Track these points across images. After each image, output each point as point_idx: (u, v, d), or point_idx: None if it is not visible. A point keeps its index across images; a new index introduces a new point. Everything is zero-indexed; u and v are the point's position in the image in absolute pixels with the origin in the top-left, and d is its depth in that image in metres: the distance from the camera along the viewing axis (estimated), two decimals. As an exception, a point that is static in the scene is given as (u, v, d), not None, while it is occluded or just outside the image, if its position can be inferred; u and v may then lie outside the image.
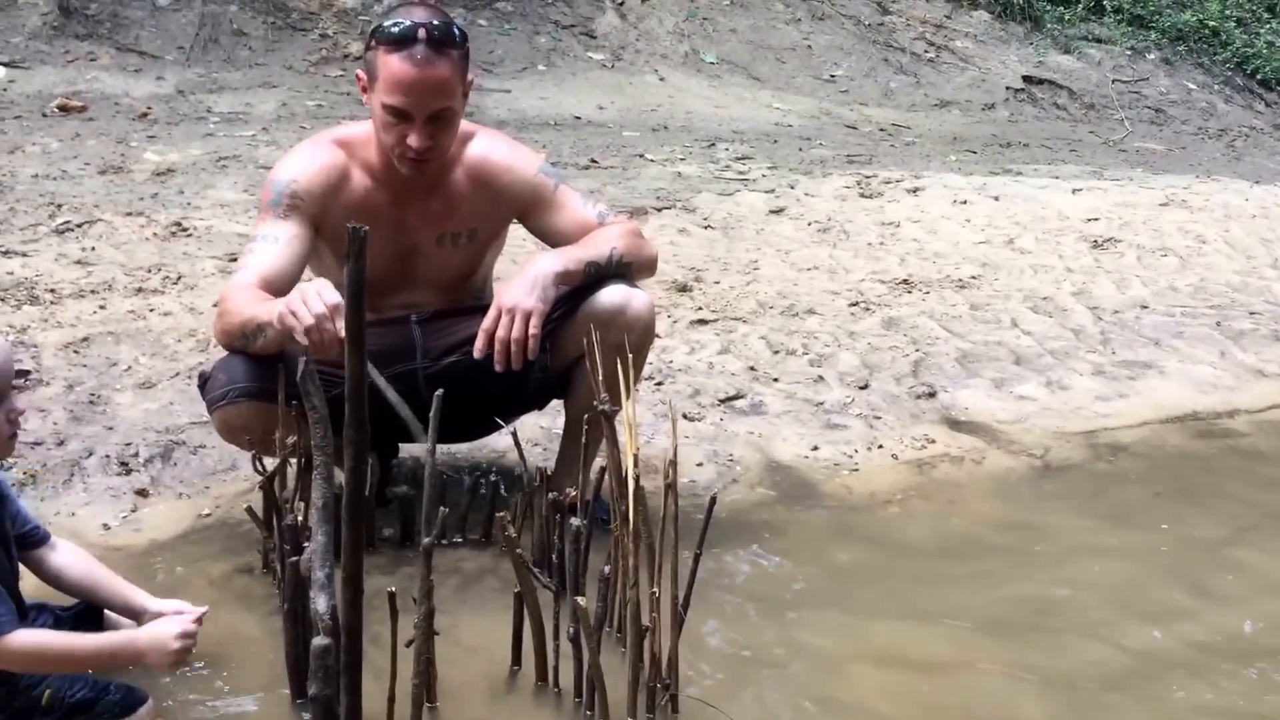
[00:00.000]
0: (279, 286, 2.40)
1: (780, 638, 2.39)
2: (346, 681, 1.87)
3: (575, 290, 2.55)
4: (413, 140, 2.42)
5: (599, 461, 2.41)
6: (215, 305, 2.41)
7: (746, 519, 2.93)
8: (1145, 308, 4.75)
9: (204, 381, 2.48)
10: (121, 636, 1.98)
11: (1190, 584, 2.70)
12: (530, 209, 2.66)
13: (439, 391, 2.03)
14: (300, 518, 2.26)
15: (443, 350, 2.62)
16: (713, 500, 2.11)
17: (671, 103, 7.50)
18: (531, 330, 2.43)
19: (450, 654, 2.14)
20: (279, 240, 2.45)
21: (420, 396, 2.55)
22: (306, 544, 2.03)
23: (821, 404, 3.61)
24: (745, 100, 7.94)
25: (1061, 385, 3.96)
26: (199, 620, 2.03)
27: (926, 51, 9.71)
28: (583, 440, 2.42)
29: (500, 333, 2.44)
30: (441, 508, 2.08)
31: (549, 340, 2.59)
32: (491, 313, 2.46)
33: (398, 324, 2.62)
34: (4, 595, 1.85)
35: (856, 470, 3.25)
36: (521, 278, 2.48)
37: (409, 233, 2.59)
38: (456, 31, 2.44)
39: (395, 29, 2.37)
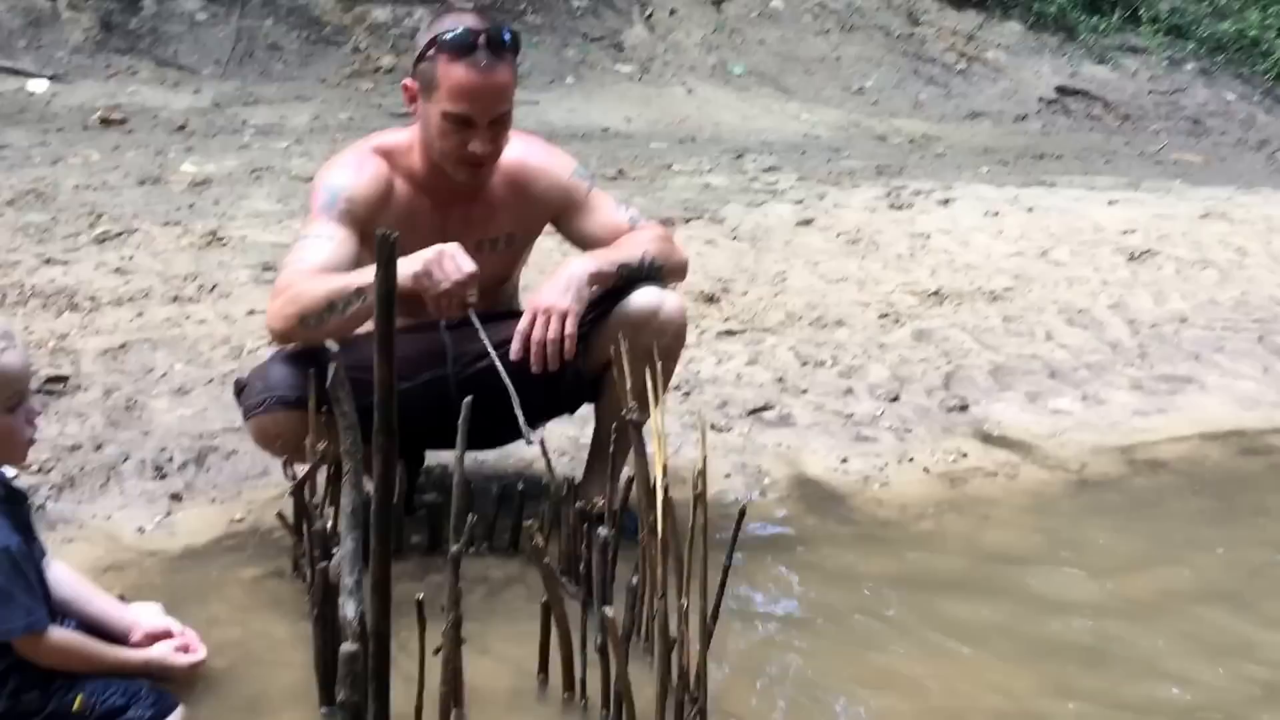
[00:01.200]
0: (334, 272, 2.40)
1: (811, 653, 2.36)
2: (374, 688, 1.86)
3: (607, 293, 2.56)
4: (476, 147, 2.43)
5: (627, 470, 2.41)
6: (272, 297, 2.40)
7: (776, 532, 2.91)
8: (1184, 321, 4.69)
9: (240, 389, 2.49)
10: (138, 656, 1.98)
11: (1234, 602, 2.65)
12: (564, 212, 2.67)
13: (467, 399, 2.03)
14: (330, 524, 2.27)
15: (474, 355, 2.61)
16: (742, 511, 2.08)
17: (699, 114, 7.51)
18: (567, 331, 2.44)
19: (477, 663, 2.13)
20: (334, 239, 2.44)
21: (451, 402, 2.55)
22: (336, 550, 2.05)
23: (851, 416, 3.59)
24: (773, 111, 7.94)
25: (1098, 399, 3.92)
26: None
27: (957, 62, 9.67)
28: (610, 450, 2.41)
29: (536, 334, 2.45)
30: (470, 515, 2.08)
31: (582, 343, 2.59)
32: (526, 315, 2.47)
33: (428, 329, 2.62)
34: (40, 594, 1.86)
35: (887, 484, 3.23)
36: (554, 279, 2.49)
37: (449, 238, 2.55)
38: (509, 35, 2.46)
39: (455, 37, 2.38)
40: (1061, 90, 9.91)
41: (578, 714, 2.10)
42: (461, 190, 2.55)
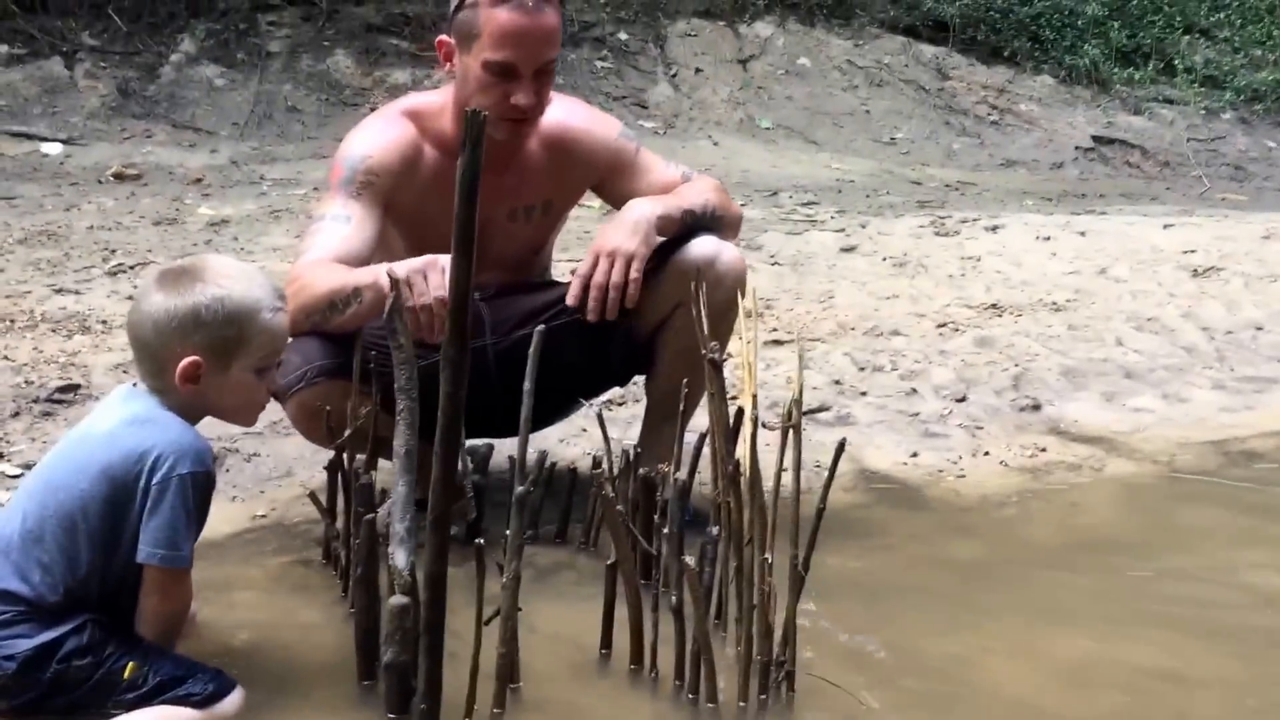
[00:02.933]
0: (353, 262, 2.22)
1: (901, 629, 2.12)
2: (427, 643, 1.64)
3: (660, 246, 2.36)
4: (520, 98, 2.24)
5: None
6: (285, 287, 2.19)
7: (847, 519, 2.65)
8: (1260, 329, 4.42)
9: None
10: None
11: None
12: (611, 175, 2.49)
13: (540, 328, 1.83)
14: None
15: (513, 324, 2.43)
16: (841, 444, 1.86)
17: (727, 163, 7.35)
18: (633, 274, 2.26)
19: (529, 640, 1.88)
20: (350, 220, 2.26)
21: (490, 375, 2.36)
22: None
23: (916, 414, 3.34)
24: (803, 161, 7.78)
25: (1180, 398, 3.67)
26: None
27: (989, 114, 9.52)
28: (680, 408, 2.18)
29: (598, 278, 2.26)
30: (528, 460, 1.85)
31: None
32: (588, 259, 2.29)
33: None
34: None
35: (963, 476, 2.98)
36: (619, 222, 2.32)
37: (480, 207, 2.38)
38: None
39: None
40: (1098, 139, 9.73)
41: (647, 686, 1.86)
42: (495, 156, 2.33)
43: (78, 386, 2.95)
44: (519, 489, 1.73)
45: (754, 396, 1.81)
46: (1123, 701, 1.89)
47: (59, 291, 3.87)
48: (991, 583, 2.36)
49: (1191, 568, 2.48)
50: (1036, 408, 3.47)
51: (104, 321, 3.54)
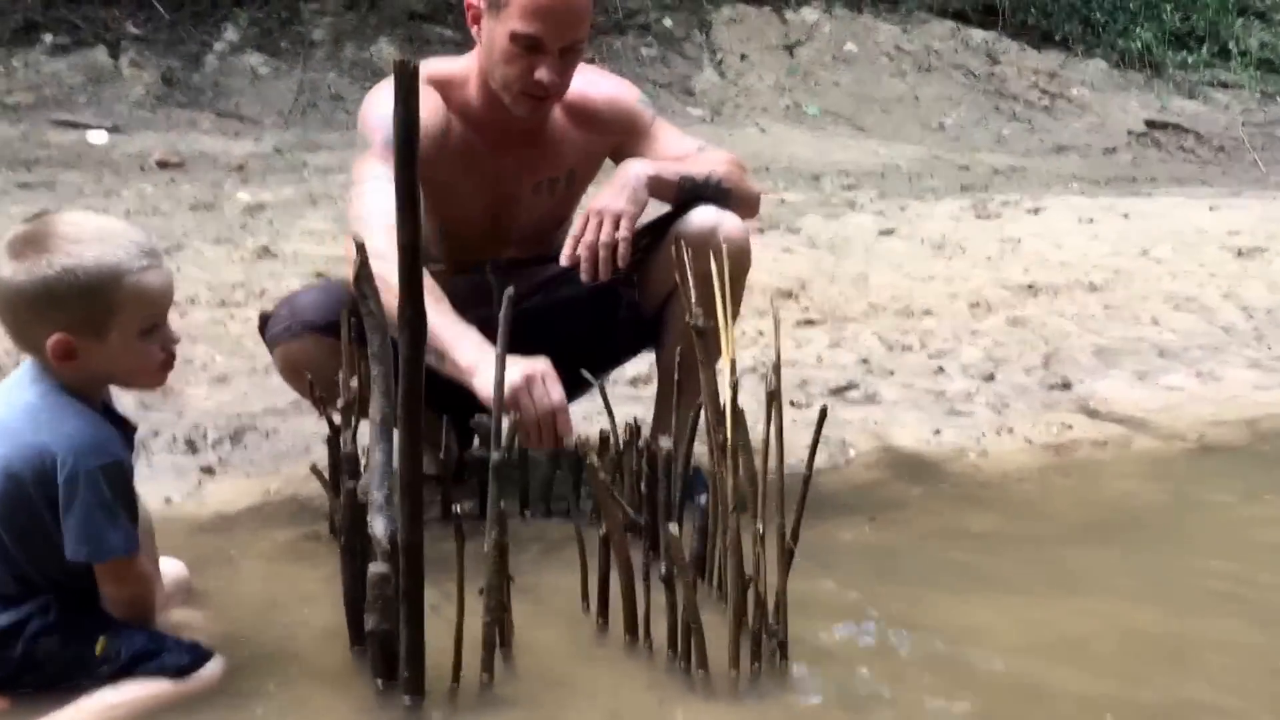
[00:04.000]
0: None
1: (906, 599, 2.08)
2: (406, 612, 1.64)
3: (663, 216, 2.35)
4: (543, 74, 2.18)
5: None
6: (346, 251, 2.14)
7: (864, 493, 2.65)
8: (1305, 309, 4.32)
9: (265, 321, 2.31)
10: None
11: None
12: (626, 141, 2.44)
13: (509, 290, 1.82)
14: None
15: (522, 295, 2.42)
16: (823, 413, 1.83)
17: (773, 149, 7.31)
18: (621, 234, 2.21)
19: (529, 612, 1.90)
20: None
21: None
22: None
23: (942, 393, 3.31)
24: (850, 147, 7.72)
25: (1214, 376, 3.60)
26: None
27: (1040, 99, 9.39)
28: (674, 379, 2.18)
29: (588, 236, 2.22)
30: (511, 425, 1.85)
31: (637, 274, 2.38)
32: (579, 219, 2.26)
33: (471, 273, 2.43)
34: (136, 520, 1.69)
35: (985, 454, 2.95)
36: (610, 182, 2.28)
37: (505, 181, 2.38)
38: None
39: None
40: (1151, 124, 9.56)
41: (642, 658, 1.85)
42: (520, 130, 2.34)
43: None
44: (494, 456, 1.73)
45: (732, 362, 1.79)
46: (1125, 675, 1.84)
47: (91, 274, 3.89)
48: (1003, 555, 2.32)
49: (1210, 541, 2.43)
50: (1066, 386, 3.42)
51: (136, 303, 3.59)
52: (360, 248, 1.72)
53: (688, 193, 2.34)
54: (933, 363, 3.52)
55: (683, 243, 2.14)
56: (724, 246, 2.26)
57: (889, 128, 8.49)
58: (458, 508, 1.95)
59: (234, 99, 7.39)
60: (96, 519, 1.60)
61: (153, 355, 1.68)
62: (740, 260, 2.33)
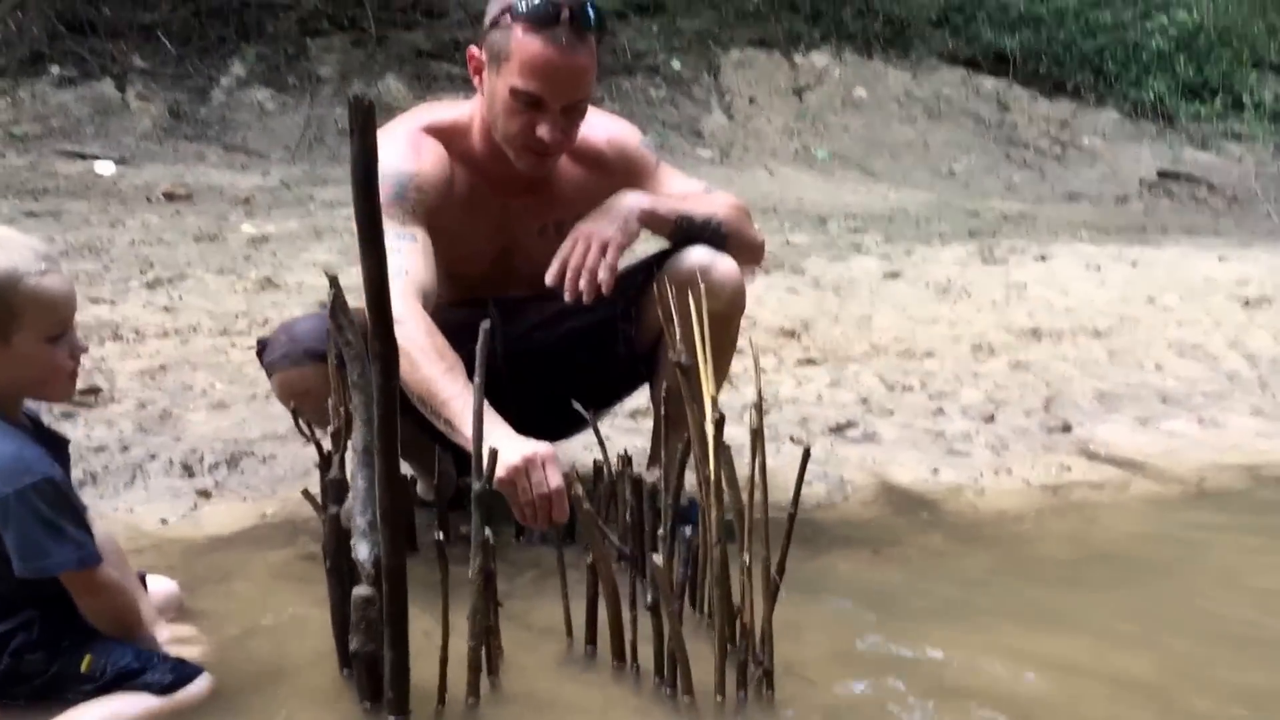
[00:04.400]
0: (429, 298, 2.17)
1: (896, 631, 2.08)
2: (390, 635, 1.65)
3: (660, 253, 2.36)
4: (543, 132, 2.16)
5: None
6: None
7: (858, 530, 2.64)
8: (1311, 360, 4.31)
9: (263, 347, 2.32)
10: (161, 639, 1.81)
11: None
12: (631, 184, 2.40)
13: (485, 324, 1.83)
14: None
15: (523, 330, 2.43)
16: (806, 452, 1.84)
17: (781, 192, 7.35)
18: (607, 260, 2.20)
19: (519, 636, 1.93)
20: (416, 240, 2.19)
21: (500, 379, 2.37)
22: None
23: (942, 433, 3.31)
24: (859, 192, 7.76)
25: (1216, 423, 3.59)
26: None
27: (1052, 147, 9.43)
28: (662, 411, 2.18)
29: (574, 260, 2.21)
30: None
31: (633, 310, 2.39)
32: (568, 241, 2.25)
33: (473, 306, 2.44)
34: (88, 529, 1.69)
35: (982, 493, 2.94)
36: (603, 207, 2.27)
37: (511, 225, 2.38)
38: (595, 12, 2.19)
39: (535, 5, 2.12)
40: (1164, 174, 9.58)
41: (628, 681, 1.86)
42: (524, 176, 2.33)
43: (99, 390, 3.02)
44: (476, 486, 1.75)
45: (714, 399, 1.79)
46: (1110, 706, 1.84)
47: (95, 301, 3.95)
48: (996, 591, 2.32)
49: (1204, 584, 2.41)
50: (1066, 429, 3.41)
51: (136, 330, 3.62)
52: (334, 280, 1.74)
53: (684, 232, 2.34)
54: (933, 403, 3.52)
55: (666, 279, 2.15)
56: (705, 287, 2.26)
57: (898, 173, 8.53)
58: (439, 534, 1.94)
59: (241, 133, 7.45)
60: (36, 536, 1.60)
61: (60, 362, 1.69)
62: (733, 302, 2.34)
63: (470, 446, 1.99)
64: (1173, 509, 2.89)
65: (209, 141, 7.27)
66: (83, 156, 6.79)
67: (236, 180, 6.59)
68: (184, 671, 1.71)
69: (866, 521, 2.70)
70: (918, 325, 4.40)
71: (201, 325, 3.69)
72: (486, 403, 2.08)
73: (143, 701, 1.66)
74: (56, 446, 1.76)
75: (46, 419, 2.83)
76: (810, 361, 3.82)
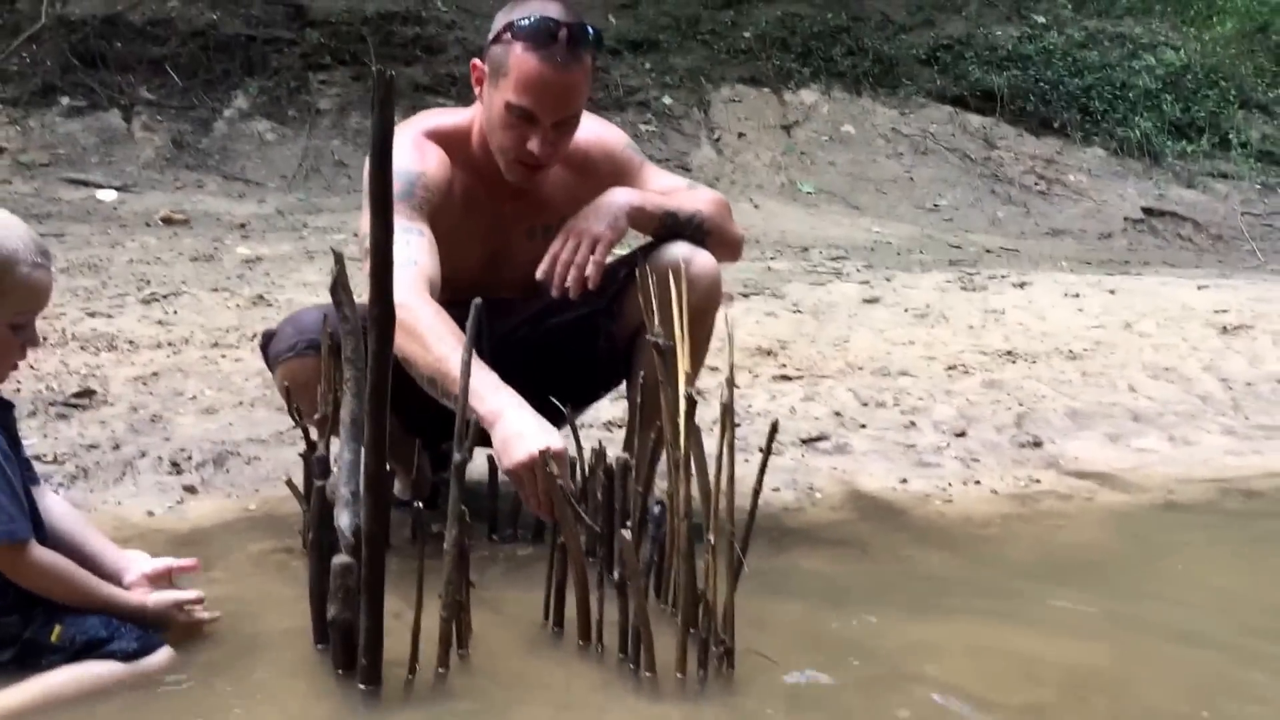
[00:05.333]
0: (437, 288, 2.25)
1: (857, 623, 2.14)
2: (366, 602, 1.72)
3: (640, 248, 2.44)
4: (534, 146, 2.27)
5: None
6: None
7: (824, 532, 2.71)
8: (1283, 382, 4.38)
9: (268, 340, 2.39)
10: (134, 600, 1.84)
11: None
12: (616, 184, 2.48)
13: (477, 300, 1.89)
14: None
15: (509, 328, 2.51)
16: (774, 427, 1.91)
17: (766, 224, 7.47)
18: (595, 257, 2.30)
19: (489, 619, 1.99)
20: (424, 235, 2.27)
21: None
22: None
23: (913, 446, 3.38)
24: (843, 225, 7.87)
25: (1187, 441, 3.66)
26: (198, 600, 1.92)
27: (1037, 184, 9.55)
28: (637, 399, 2.26)
29: (564, 255, 2.31)
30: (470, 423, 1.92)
31: (614, 304, 2.47)
32: (559, 237, 2.34)
33: (462, 308, 2.52)
34: (23, 504, 1.74)
35: (950, 501, 3.00)
36: (593, 205, 2.37)
37: (503, 227, 2.47)
38: (592, 32, 2.30)
39: (534, 25, 2.21)
40: (1149, 211, 9.71)
41: (593, 659, 1.92)
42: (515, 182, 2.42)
43: (93, 393, 3.10)
44: (457, 456, 1.81)
45: (687, 374, 1.86)
46: (1062, 693, 1.89)
47: (92, 315, 4.04)
48: (958, 588, 2.38)
49: (1166, 584, 2.47)
50: (1037, 444, 3.48)
51: (131, 341, 3.70)
52: (339, 257, 1.82)
53: (669, 228, 2.43)
54: (905, 418, 3.59)
55: (648, 269, 2.23)
56: (686, 269, 2.36)
57: (883, 207, 8.65)
58: (417, 505, 2.00)
59: (240, 162, 7.62)
60: None
61: (11, 350, 1.76)
62: (710, 294, 2.42)
63: (485, 422, 2.08)
64: (1139, 517, 2.95)
65: (209, 170, 7.46)
66: (86, 184, 6.96)
67: (233, 207, 6.74)
68: (149, 642, 1.76)
69: (833, 524, 2.76)
70: (894, 346, 4.48)
71: (194, 338, 3.78)
72: (494, 374, 2.16)
73: (106, 668, 1.71)
74: (2, 411, 1.80)
75: (40, 419, 2.95)
76: (785, 378, 3.89)
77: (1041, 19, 11.57)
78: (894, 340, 4.58)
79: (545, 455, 1.99)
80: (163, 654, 1.77)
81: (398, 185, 2.16)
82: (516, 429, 2.05)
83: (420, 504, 2.15)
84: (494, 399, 2.08)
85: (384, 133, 1.62)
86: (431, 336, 2.14)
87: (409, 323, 2.13)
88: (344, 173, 7.58)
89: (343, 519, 1.75)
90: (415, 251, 2.23)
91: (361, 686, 1.72)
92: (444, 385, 2.13)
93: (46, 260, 1.75)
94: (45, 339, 3.68)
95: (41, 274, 1.73)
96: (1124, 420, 3.78)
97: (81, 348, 3.59)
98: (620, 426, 3.30)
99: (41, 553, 1.74)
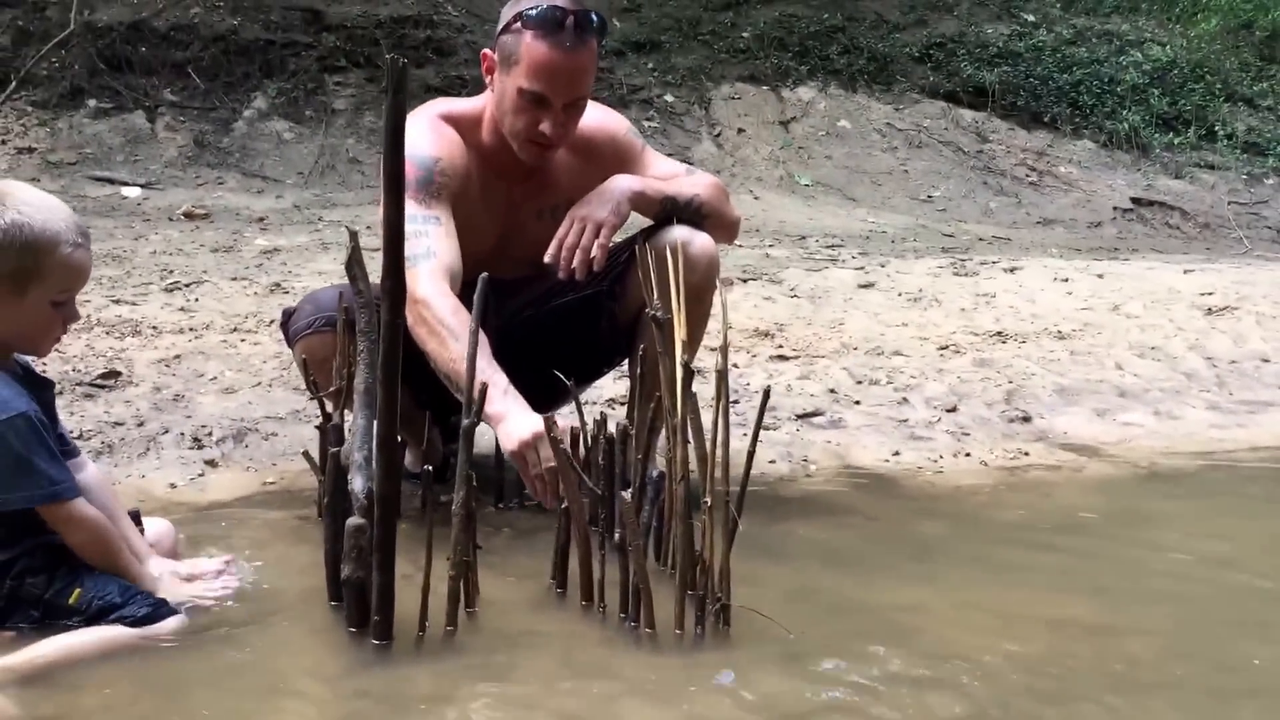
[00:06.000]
0: (456, 276, 2.35)
1: (849, 583, 2.24)
2: (379, 560, 1.81)
3: (642, 231, 2.55)
4: (546, 127, 2.38)
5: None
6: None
7: (820, 502, 2.81)
8: (1266, 361, 4.49)
9: (288, 318, 2.49)
10: (149, 582, 1.92)
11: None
12: (620, 169, 2.60)
13: (484, 275, 1.99)
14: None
15: (517, 307, 2.61)
16: (766, 391, 2.01)
17: (764, 215, 7.61)
18: (599, 241, 2.42)
19: (495, 581, 2.08)
20: (442, 223, 2.37)
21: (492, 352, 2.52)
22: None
23: (905, 421, 3.48)
24: (839, 215, 8.01)
25: (1171, 415, 3.76)
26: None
27: (1028, 176, 9.68)
28: (638, 370, 2.36)
29: (570, 240, 2.43)
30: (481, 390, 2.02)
31: (616, 285, 2.57)
32: (565, 223, 2.46)
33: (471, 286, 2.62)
34: (64, 466, 1.84)
35: (941, 472, 3.11)
36: (598, 191, 2.48)
37: (513, 209, 2.58)
38: (597, 18, 2.41)
39: (542, 13, 2.33)
40: (1137, 201, 9.83)
41: (595, 618, 2.00)
42: (522, 164, 2.52)
43: (119, 374, 3.21)
44: (465, 421, 1.91)
45: (682, 341, 1.96)
46: (1049, 646, 1.96)
47: (117, 302, 4.16)
48: (947, 550, 2.47)
49: (1148, 547, 2.56)
50: (1026, 419, 3.59)
51: (154, 327, 3.82)
52: (354, 235, 1.93)
53: (669, 212, 2.54)
54: (898, 395, 3.69)
55: (649, 249, 2.34)
56: (684, 251, 2.47)
57: (878, 198, 8.78)
58: (427, 469, 2.09)
59: (259, 160, 7.86)
60: (4, 471, 1.74)
61: (54, 326, 1.86)
62: (707, 275, 2.52)
63: (491, 422, 2.18)
64: (1124, 486, 3.05)
65: (229, 168, 7.71)
66: (112, 182, 7.17)
67: (252, 202, 6.95)
68: (161, 608, 1.83)
69: (827, 494, 2.86)
70: (888, 328, 4.59)
71: (214, 323, 3.90)
72: (502, 374, 2.27)
73: (118, 631, 1.79)
74: (43, 388, 1.91)
75: (67, 398, 3.05)
76: (782, 357, 4.00)
77: (1031, 17, 11.73)
78: (888, 322, 4.69)
79: (549, 421, 2.07)
80: (173, 621, 1.84)
81: (416, 172, 2.34)
82: (517, 422, 2.17)
83: (430, 468, 2.25)
84: (500, 403, 2.20)
85: (397, 117, 1.71)
86: (448, 335, 2.25)
87: (428, 319, 2.26)
88: (358, 169, 7.83)
89: (356, 482, 1.85)
90: (433, 241, 2.34)
91: (374, 643, 1.80)
92: (458, 382, 2.21)
93: (86, 240, 1.85)
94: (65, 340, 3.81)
95: (82, 254, 1.83)
96: (1111, 396, 3.89)
97: (107, 333, 3.70)
98: (622, 404, 3.40)
99: (90, 510, 1.84)
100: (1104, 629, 2.05)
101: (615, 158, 2.60)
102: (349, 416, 2.35)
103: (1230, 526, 2.76)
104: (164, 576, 1.93)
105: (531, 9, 2.34)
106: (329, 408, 2.37)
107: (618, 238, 2.57)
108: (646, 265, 2.20)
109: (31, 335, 1.86)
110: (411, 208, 2.32)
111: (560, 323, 2.62)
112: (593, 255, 2.42)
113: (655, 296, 2.12)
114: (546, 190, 2.57)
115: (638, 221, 2.61)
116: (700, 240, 2.53)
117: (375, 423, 1.83)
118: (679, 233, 2.51)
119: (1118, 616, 2.12)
